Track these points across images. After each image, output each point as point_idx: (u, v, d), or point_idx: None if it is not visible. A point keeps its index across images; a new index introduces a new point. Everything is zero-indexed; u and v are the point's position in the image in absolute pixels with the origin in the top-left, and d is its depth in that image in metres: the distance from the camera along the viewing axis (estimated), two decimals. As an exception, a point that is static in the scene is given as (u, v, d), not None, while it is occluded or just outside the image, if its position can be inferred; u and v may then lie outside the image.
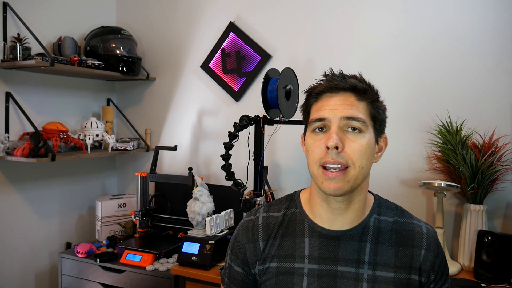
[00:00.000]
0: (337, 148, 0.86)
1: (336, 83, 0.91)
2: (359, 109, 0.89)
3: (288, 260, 0.96)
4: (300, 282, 0.93)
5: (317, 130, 0.90)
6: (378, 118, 0.92)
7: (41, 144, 2.01)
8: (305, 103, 0.97)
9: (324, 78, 0.95)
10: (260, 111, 1.92)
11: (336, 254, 0.93)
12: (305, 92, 0.97)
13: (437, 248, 0.95)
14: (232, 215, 2.06)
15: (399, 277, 0.92)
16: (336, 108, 0.89)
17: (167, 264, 1.96)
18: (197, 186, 2.06)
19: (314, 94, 0.93)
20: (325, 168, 0.88)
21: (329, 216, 0.95)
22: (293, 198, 1.04)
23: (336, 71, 0.95)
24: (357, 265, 0.92)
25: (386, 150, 0.98)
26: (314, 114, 0.92)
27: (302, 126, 1.01)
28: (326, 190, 0.88)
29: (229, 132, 1.89)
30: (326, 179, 0.87)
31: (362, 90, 0.90)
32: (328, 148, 0.86)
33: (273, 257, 0.97)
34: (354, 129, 0.88)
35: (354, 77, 0.93)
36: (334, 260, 0.93)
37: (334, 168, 0.87)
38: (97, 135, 2.33)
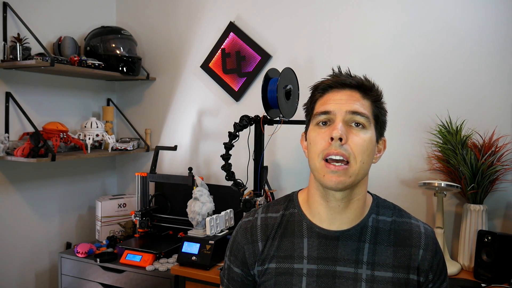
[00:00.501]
0: (340, 140, 0.86)
1: (342, 79, 0.93)
2: (364, 106, 0.91)
3: (287, 260, 0.96)
4: (299, 282, 0.93)
5: (321, 123, 0.91)
6: (380, 119, 0.94)
7: (41, 144, 2.01)
8: (310, 98, 0.98)
9: (330, 76, 0.96)
10: (260, 111, 1.92)
11: (334, 254, 0.93)
12: (310, 88, 0.98)
13: (435, 248, 0.95)
14: (232, 215, 2.06)
15: (398, 277, 0.92)
16: (341, 102, 0.90)
17: (167, 264, 1.96)
18: (197, 186, 2.06)
19: (320, 89, 0.94)
20: (327, 161, 0.88)
21: (328, 215, 0.94)
22: (291, 199, 1.04)
23: (343, 70, 0.97)
24: (356, 265, 0.92)
25: (386, 150, 0.99)
26: (319, 108, 0.92)
27: (302, 126, 1.01)
28: (327, 183, 0.88)
29: (229, 132, 1.89)
30: (328, 172, 0.87)
31: (368, 88, 0.92)
32: (332, 139, 0.86)
33: (272, 258, 0.97)
34: (357, 124, 0.89)
35: (360, 77, 0.95)
36: (333, 260, 0.93)
37: (337, 161, 0.87)
38: (97, 135, 2.33)
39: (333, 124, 0.89)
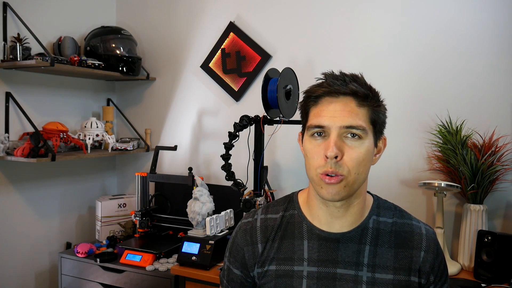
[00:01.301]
0: (336, 157, 0.85)
1: (336, 88, 0.88)
2: (359, 116, 0.87)
3: (287, 262, 0.95)
4: (299, 285, 0.93)
5: (315, 135, 0.89)
6: (378, 122, 0.90)
7: (41, 144, 2.01)
8: (304, 105, 0.94)
9: (324, 79, 0.91)
10: (260, 111, 1.92)
11: (335, 256, 0.93)
12: (303, 93, 0.94)
13: (437, 250, 0.95)
14: (232, 215, 2.06)
15: (399, 279, 0.91)
16: (335, 115, 0.86)
17: (167, 264, 1.96)
18: (197, 186, 2.06)
19: (313, 97, 0.90)
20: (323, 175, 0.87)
21: (328, 218, 0.94)
22: (291, 200, 1.03)
23: (336, 72, 0.92)
24: (356, 268, 0.92)
25: (386, 150, 0.98)
26: (313, 119, 0.89)
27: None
28: (324, 196, 0.88)
29: (229, 132, 1.89)
30: (324, 185, 0.87)
31: (363, 96, 0.88)
32: (327, 157, 0.85)
33: (272, 260, 0.97)
34: (353, 135, 0.87)
35: (355, 79, 0.90)
36: (333, 262, 0.93)
37: (333, 177, 0.86)
38: (97, 135, 2.33)
39: (328, 138, 0.86)
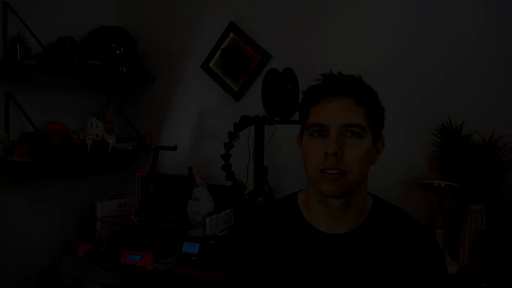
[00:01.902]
0: (336, 154, 0.85)
1: (335, 87, 0.89)
2: (358, 115, 0.87)
3: (287, 264, 0.95)
4: (299, 286, 0.92)
5: (315, 133, 0.89)
6: (377, 122, 0.91)
7: (41, 144, 2.01)
8: (303, 104, 0.95)
9: (323, 80, 0.92)
10: (260, 111, 1.92)
11: (334, 257, 0.92)
12: (302, 93, 0.95)
13: (436, 250, 0.94)
14: (232, 215, 2.06)
15: (398, 280, 0.91)
16: (335, 113, 0.87)
17: (167, 264, 1.96)
18: (197, 186, 2.06)
19: (313, 96, 0.91)
20: (323, 171, 0.87)
21: (327, 219, 0.94)
22: (291, 200, 1.02)
23: (335, 73, 0.93)
24: (356, 269, 0.91)
25: (386, 150, 0.98)
26: (312, 119, 0.90)
27: (302, 126, 1.00)
28: (325, 191, 0.87)
29: (229, 132, 1.89)
30: (325, 181, 0.87)
31: (362, 95, 0.89)
32: (327, 154, 0.85)
33: (272, 261, 0.96)
34: (353, 133, 0.87)
35: (353, 79, 0.91)
36: (333, 264, 0.92)
37: (333, 173, 0.86)
38: (97, 135, 2.32)
39: (328, 137, 0.87)
